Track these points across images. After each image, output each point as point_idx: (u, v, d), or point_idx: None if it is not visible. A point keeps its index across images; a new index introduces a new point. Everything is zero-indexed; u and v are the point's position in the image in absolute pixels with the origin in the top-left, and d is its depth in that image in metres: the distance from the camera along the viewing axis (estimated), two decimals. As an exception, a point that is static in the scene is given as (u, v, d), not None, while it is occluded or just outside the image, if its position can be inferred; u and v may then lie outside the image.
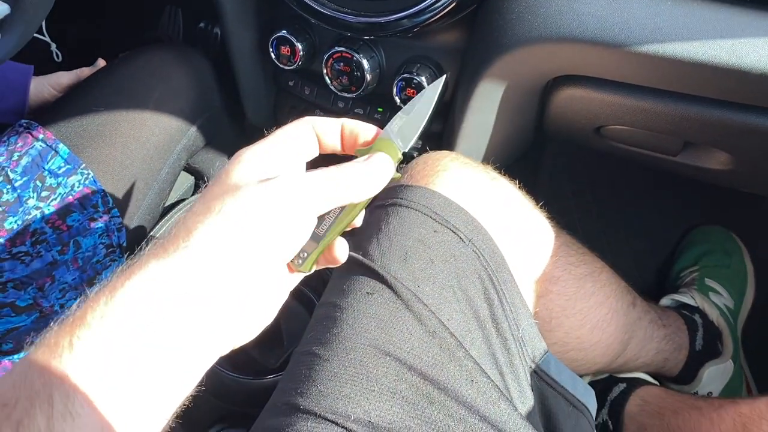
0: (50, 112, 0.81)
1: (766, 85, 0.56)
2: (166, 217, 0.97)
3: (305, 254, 0.41)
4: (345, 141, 0.43)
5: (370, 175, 0.40)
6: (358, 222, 0.44)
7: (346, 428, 0.45)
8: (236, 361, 0.83)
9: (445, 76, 0.45)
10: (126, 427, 0.34)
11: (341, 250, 0.43)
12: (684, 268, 1.08)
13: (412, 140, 0.43)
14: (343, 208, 0.41)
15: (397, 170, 0.43)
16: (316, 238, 0.41)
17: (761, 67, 0.55)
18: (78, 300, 0.36)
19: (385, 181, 0.41)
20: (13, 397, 0.32)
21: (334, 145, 0.43)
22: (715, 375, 0.91)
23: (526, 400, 0.52)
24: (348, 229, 0.43)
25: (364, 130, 0.43)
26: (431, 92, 0.44)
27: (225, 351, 0.38)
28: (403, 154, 0.43)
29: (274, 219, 0.36)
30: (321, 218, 0.41)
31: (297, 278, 0.42)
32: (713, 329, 0.94)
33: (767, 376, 0.99)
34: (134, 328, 0.33)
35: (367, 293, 0.52)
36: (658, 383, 0.86)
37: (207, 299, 0.35)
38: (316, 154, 0.43)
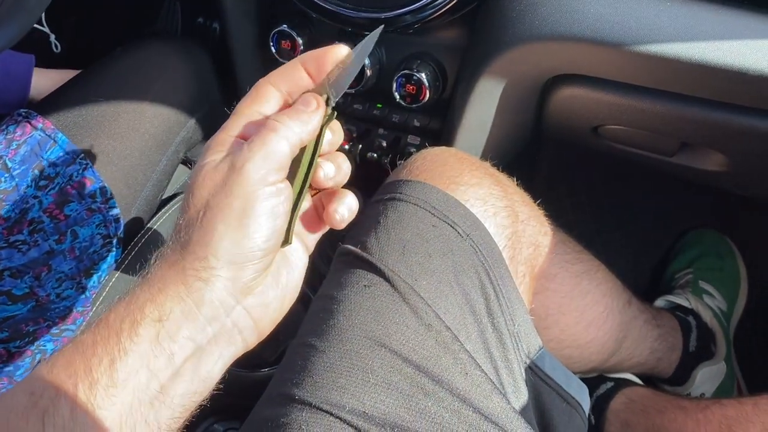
0: (49, 102, 0.81)
1: (763, 86, 0.56)
2: (163, 210, 0.97)
3: None
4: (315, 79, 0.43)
5: (297, 112, 0.41)
6: (327, 172, 0.44)
7: (340, 419, 0.45)
8: (231, 355, 0.83)
9: (381, 27, 0.46)
10: (146, 417, 0.36)
11: (338, 207, 0.44)
12: (678, 270, 1.09)
13: (344, 89, 0.44)
14: (297, 165, 0.42)
15: (330, 118, 0.44)
16: None
17: (759, 69, 0.55)
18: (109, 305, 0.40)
19: (312, 117, 0.41)
20: (40, 387, 0.35)
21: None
22: (708, 376, 0.91)
23: (520, 394, 0.52)
24: (310, 189, 0.45)
25: (321, 57, 0.42)
26: (368, 43, 0.45)
27: (240, 350, 0.42)
28: (336, 105, 0.44)
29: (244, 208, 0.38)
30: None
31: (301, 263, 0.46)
32: (707, 331, 0.94)
33: (758, 377, 1.00)
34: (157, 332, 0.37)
35: (365, 286, 0.52)
36: (644, 385, 0.86)
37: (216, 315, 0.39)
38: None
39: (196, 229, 0.39)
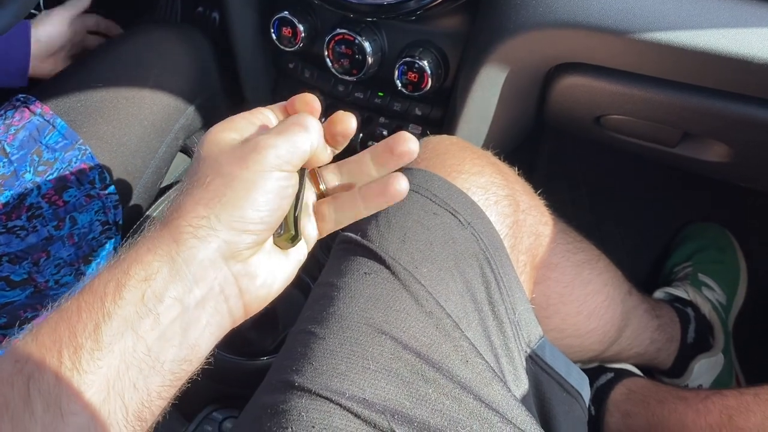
0: (48, 87, 0.81)
1: (767, 76, 0.56)
2: (162, 197, 0.96)
3: (281, 222, 0.44)
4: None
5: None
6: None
7: (340, 405, 0.45)
8: (232, 343, 0.83)
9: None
10: (135, 382, 0.36)
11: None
12: (677, 263, 1.09)
13: None
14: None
15: None
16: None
17: (764, 58, 0.55)
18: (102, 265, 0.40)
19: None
20: (24, 354, 0.35)
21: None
22: (705, 368, 0.91)
23: (520, 383, 0.52)
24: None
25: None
26: None
27: (234, 319, 0.42)
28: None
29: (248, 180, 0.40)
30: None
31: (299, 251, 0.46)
32: (705, 323, 0.94)
33: (757, 370, 1.00)
34: (143, 294, 0.37)
35: (365, 273, 0.52)
36: (645, 376, 0.86)
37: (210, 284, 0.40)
38: None
39: (202, 192, 0.40)
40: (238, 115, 0.44)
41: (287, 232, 0.44)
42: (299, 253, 0.47)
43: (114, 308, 0.36)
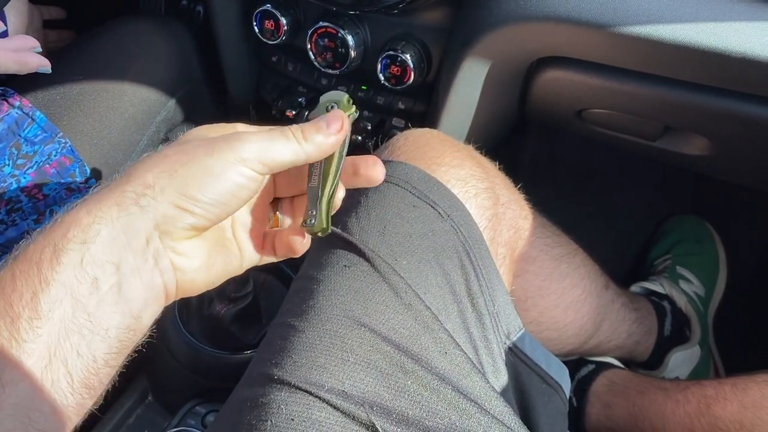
0: (27, 80, 0.80)
1: (745, 69, 0.57)
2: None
3: (313, 212, 0.43)
4: None
5: (317, 131, 0.43)
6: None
7: (320, 398, 0.45)
8: (214, 337, 0.83)
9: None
10: (77, 349, 0.36)
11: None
12: (657, 256, 1.10)
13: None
14: (321, 164, 0.44)
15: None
16: (313, 197, 0.44)
17: (741, 52, 0.55)
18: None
19: (330, 140, 0.43)
20: None
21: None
22: (681, 360, 0.93)
23: (499, 374, 0.52)
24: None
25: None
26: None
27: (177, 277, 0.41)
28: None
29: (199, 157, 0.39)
30: (310, 177, 0.45)
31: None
32: (681, 316, 0.95)
33: (737, 361, 1.01)
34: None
35: (345, 266, 0.52)
36: (625, 368, 0.87)
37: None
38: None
39: (157, 161, 0.39)
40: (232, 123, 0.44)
41: (320, 225, 0.43)
42: (237, 260, 0.46)
43: (52, 274, 0.35)
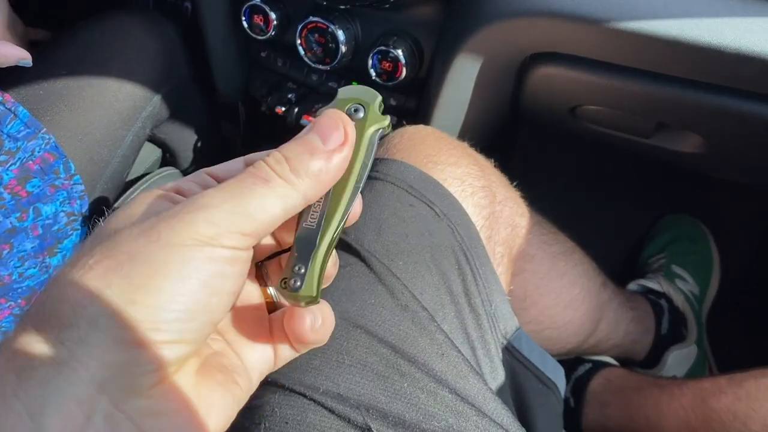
0: (9, 75, 0.78)
1: (739, 65, 0.56)
2: (129, 191, 0.94)
3: (301, 269, 0.30)
4: None
5: (310, 153, 0.29)
6: (357, 209, 0.34)
7: (315, 400, 0.44)
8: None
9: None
10: None
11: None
12: (651, 255, 1.10)
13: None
14: (326, 197, 0.31)
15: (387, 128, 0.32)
16: (305, 245, 0.31)
17: (735, 48, 0.55)
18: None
19: (335, 162, 0.30)
20: None
21: None
22: (679, 359, 0.93)
23: (497, 375, 0.52)
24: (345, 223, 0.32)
25: None
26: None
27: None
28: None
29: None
30: (305, 214, 0.31)
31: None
32: (678, 314, 0.95)
33: (730, 361, 1.02)
34: None
35: (340, 266, 0.51)
36: (622, 367, 0.87)
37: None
38: None
39: (77, 278, 0.25)
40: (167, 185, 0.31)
41: (308, 291, 0.30)
42: (247, 389, 0.32)
43: None
